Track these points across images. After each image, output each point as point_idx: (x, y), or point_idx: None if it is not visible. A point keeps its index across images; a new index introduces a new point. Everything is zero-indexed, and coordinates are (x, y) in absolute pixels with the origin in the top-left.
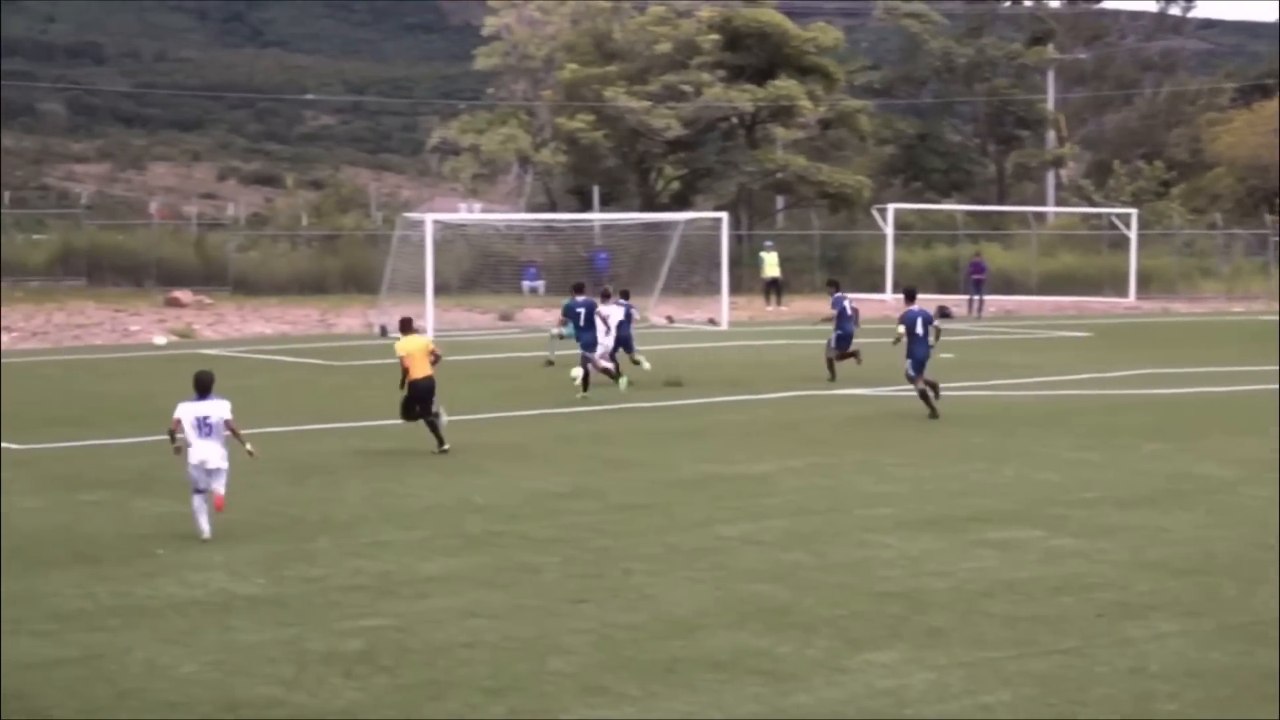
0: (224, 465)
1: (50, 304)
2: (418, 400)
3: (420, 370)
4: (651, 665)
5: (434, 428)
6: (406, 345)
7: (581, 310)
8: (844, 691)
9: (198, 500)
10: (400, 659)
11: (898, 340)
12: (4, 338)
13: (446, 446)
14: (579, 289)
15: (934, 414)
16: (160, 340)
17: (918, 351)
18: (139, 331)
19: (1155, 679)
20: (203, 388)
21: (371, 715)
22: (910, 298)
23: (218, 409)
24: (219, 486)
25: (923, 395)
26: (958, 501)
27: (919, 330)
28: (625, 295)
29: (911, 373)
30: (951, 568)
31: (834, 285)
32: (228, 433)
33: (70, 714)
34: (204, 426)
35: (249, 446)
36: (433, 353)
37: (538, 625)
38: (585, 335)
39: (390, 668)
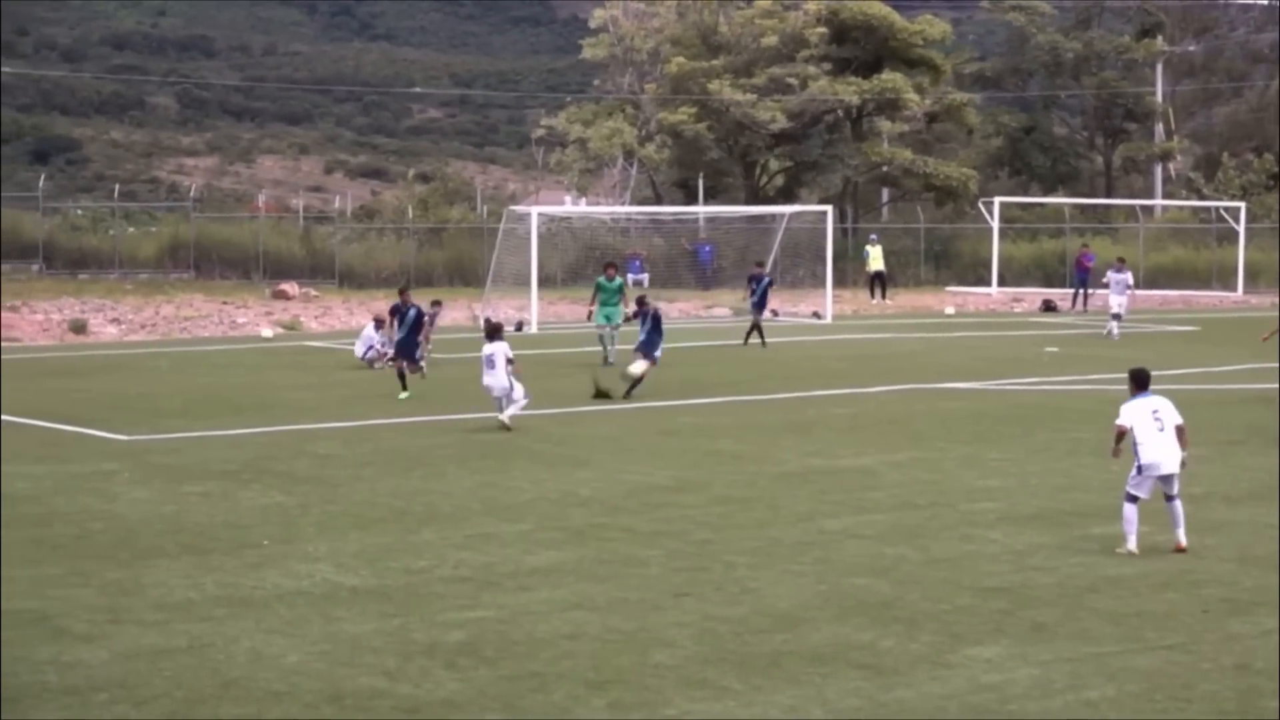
0: (507, 388)
1: (159, 296)
2: None
3: None
4: (754, 659)
5: None
6: None
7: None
8: (947, 686)
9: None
10: (503, 651)
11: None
12: (114, 329)
13: None
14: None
15: (625, 396)
16: (267, 333)
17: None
18: (246, 324)
19: (1260, 675)
20: (491, 334)
21: (474, 707)
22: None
23: (500, 349)
24: (515, 408)
25: (636, 381)
26: (1063, 496)
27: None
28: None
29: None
30: (1056, 563)
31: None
32: (510, 366)
33: (176, 703)
34: (490, 362)
35: (514, 375)
36: None
37: (640, 618)
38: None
39: (493, 659)
